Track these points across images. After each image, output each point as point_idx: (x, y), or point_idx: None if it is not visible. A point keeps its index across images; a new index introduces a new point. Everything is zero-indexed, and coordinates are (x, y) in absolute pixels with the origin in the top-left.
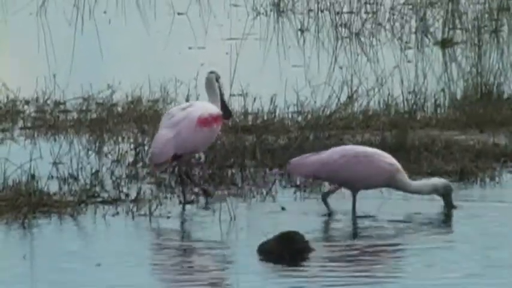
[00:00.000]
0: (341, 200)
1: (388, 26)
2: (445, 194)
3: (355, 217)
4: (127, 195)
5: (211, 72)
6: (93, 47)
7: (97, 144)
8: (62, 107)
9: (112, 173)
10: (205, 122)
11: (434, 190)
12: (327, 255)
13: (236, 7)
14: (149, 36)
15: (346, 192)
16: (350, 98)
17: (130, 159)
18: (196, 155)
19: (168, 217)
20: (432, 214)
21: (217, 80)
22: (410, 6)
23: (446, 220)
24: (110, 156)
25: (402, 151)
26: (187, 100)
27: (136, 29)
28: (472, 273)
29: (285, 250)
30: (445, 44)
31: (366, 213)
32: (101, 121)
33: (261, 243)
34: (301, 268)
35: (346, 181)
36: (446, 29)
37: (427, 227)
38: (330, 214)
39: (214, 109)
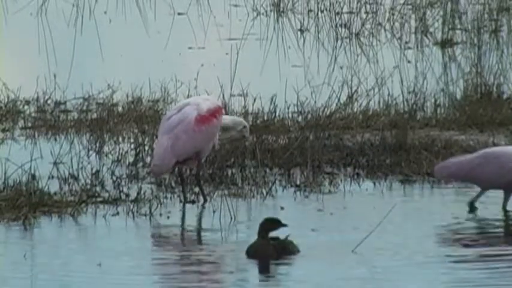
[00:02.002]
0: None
1: (388, 26)
2: None
3: (506, 215)
4: (127, 195)
5: None
6: (93, 47)
7: (97, 144)
8: (62, 107)
9: (112, 173)
10: (203, 120)
11: None
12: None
13: (236, 7)
14: (149, 36)
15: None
16: (350, 98)
17: (131, 159)
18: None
19: (169, 217)
20: None
21: None
22: (410, 6)
23: None
24: (110, 156)
25: (402, 151)
26: None
27: (137, 29)
28: None
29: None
30: (445, 44)
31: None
32: (101, 121)
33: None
34: (297, 268)
35: (482, 182)
36: (446, 29)
37: None
38: (473, 211)
39: (212, 102)
